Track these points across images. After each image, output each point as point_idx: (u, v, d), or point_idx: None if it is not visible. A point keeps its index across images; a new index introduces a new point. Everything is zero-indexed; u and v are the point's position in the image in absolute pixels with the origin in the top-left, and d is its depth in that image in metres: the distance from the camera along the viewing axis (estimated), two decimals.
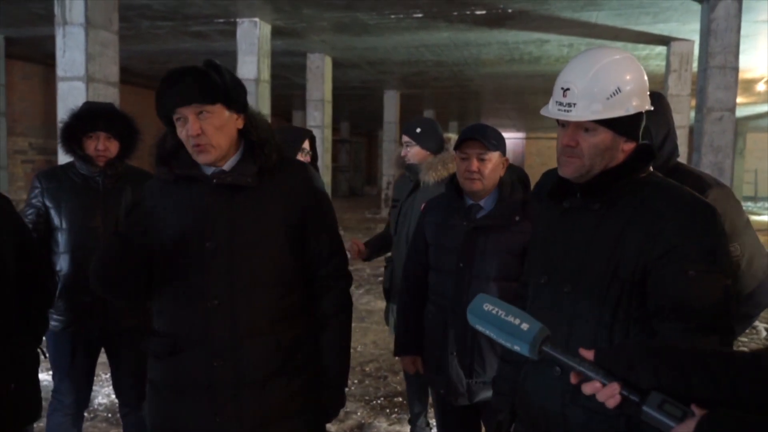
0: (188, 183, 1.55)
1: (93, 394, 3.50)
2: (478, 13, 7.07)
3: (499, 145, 2.05)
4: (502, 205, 2.06)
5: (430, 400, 3.07)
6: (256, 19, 7.98)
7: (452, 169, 2.71)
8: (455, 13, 7.16)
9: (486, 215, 2.06)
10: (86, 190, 2.38)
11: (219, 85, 1.47)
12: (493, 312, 1.06)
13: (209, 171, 1.55)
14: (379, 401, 3.75)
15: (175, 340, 1.52)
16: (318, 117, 10.42)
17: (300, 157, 2.62)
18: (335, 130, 22.07)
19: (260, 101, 8.29)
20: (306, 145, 2.69)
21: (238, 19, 8.04)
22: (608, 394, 0.96)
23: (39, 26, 8.44)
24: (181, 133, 1.48)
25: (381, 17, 7.45)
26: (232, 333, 1.50)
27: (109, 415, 3.45)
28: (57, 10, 5.06)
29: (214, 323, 1.50)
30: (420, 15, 7.28)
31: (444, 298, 2.07)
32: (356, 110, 18.52)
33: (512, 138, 25.52)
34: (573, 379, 1.02)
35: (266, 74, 8.43)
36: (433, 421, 3.02)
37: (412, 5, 6.88)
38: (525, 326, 1.02)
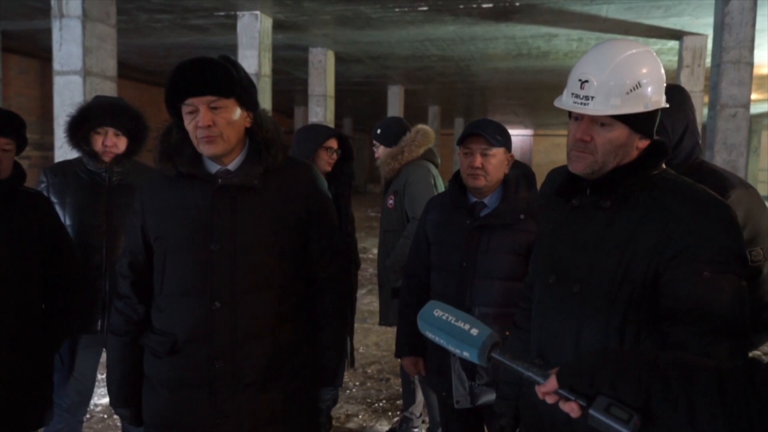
0: (191, 180, 1.56)
1: (96, 396, 3.52)
2: (484, 6, 7.06)
3: (504, 140, 2.05)
4: (507, 202, 2.05)
5: (419, 399, 3.14)
6: (257, 12, 7.99)
7: (403, 160, 3.05)
8: (461, 7, 7.15)
9: (490, 213, 2.05)
10: (92, 186, 2.38)
11: (235, 79, 1.49)
12: (443, 318, 1.06)
13: (213, 169, 1.55)
14: (381, 404, 3.75)
15: (175, 339, 1.53)
16: (320, 113, 10.42)
17: (324, 156, 2.63)
18: (338, 126, 22.08)
19: (261, 96, 8.29)
20: (332, 143, 2.67)
21: (238, 12, 8.05)
22: (547, 389, 0.96)
23: (35, 19, 8.47)
24: (189, 123, 1.48)
25: (385, 10, 7.45)
26: (233, 334, 1.52)
27: (106, 416, 3.46)
28: (53, 2, 5.08)
29: (216, 324, 1.52)
30: (425, 8, 7.27)
31: (446, 298, 2.07)
32: (359, 106, 18.52)
33: (520, 135, 25.48)
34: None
35: (267, 69, 8.44)
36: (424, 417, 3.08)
37: None
38: (474, 331, 1.02)
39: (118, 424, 2.64)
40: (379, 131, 3.20)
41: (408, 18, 7.77)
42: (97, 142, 2.35)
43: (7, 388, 1.87)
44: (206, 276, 1.52)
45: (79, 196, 2.36)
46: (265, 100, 8.51)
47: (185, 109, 1.49)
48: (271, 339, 1.55)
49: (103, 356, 2.52)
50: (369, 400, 3.80)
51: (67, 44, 5.12)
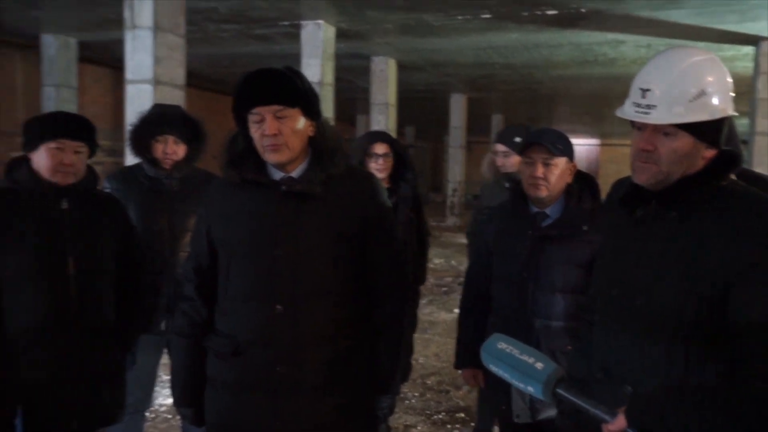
0: (255, 187, 1.61)
1: (155, 394, 3.66)
2: (549, 13, 6.96)
3: (566, 150, 2.02)
4: (569, 213, 2.03)
5: None
6: (321, 22, 8.16)
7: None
8: (525, 14, 7.08)
9: (552, 224, 2.03)
10: (153, 192, 2.48)
11: (300, 90, 1.54)
12: (507, 351, 1.05)
13: (277, 177, 1.61)
14: (440, 416, 3.74)
15: (238, 342, 1.58)
16: (382, 121, 10.51)
17: (370, 163, 2.63)
18: (400, 135, 22.19)
19: (323, 105, 8.42)
20: (379, 149, 2.66)
21: (302, 22, 8.24)
22: (615, 429, 0.93)
23: (109, 30, 8.93)
24: (255, 132, 1.54)
25: (447, 18, 7.46)
26: (295, 339, 1.56)
27: (169, 416, 3.59)
28: (126, 14, 5.33)
29: (278, 328, 1.56)
30: (488, 16, 7.24)
31: (507, 309, 2.06)
32: (421, 114, 18.56)
33: (585, 145, 24.87)
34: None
35: (330, 77, 8.60)
36: None
37: (480, 6, 6.85)
38: (539, 365, 1.00)
39: (181, 425, 2.73)
40: (518, 139, 2.73)
41: (470, 25, 7.75)
42: (158, 150, 2.45)
43: (89, 385, 1.99)
44: (269, 280, 1.57)
45: (141, 201, 2.46)
46: (327, 109, 8.67)
47: (252, 118, 1.55)
48: (330, 345, 1.59)
49: (166, 358, 2.64)
50: (428, 412, 3.79)
51: (139, 54, 5.36)
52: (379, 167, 2.68)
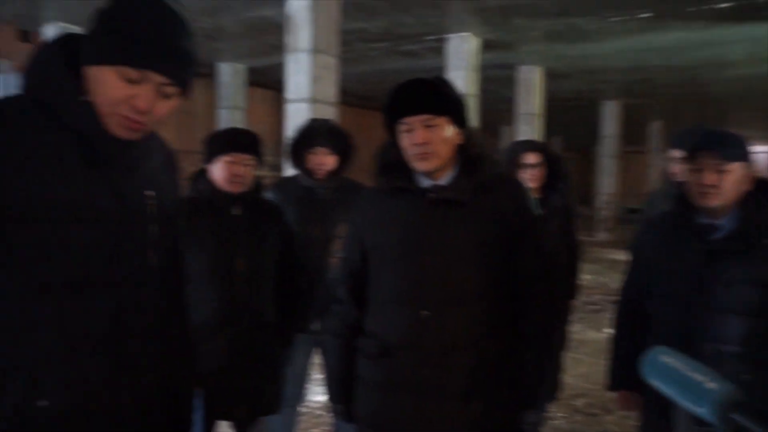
0: (404, 195, 1.65)
1: (307, 391, 3.86)
2: (721, 6, 6.37)
3: (742, 154, 1.82)
4: (746, 225, 1.82)
5: None
6: (466, 34, 8.18)
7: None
8: (691, 10, 6.56)
9: (725, 237, 1.83)
10: (308, 200, 2.63)
11: (449, 99, 1.57)
12: (673, 365, 0.93)
13: (426, 184, 1.64)
14: None
15: (387, 344, 1.63)
16: (527, 131, 10.27)
17: (520, 173, 2.59)
18: (546, 145, 21.45)
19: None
20: (531, 158, 2.61)
21: (447, 36, 8.32)
22: None
23: (273, 56, 9.65)
24: (405, 141, 1.59)
25: (600, 21, 7.13)
26: (440, 344, 1.57)
27: (321, 413, 3.76)
28: (288, 39, 5.75)
29: (424, 333, 1.58)
30: (647, 15, 6.80)
31: (669, 329, 1.90)
32: (570, 124, 17.86)
33: (765, 152, 22.35)
34: None
35: (474, 88, 8.58)
36: None
37: (639, 5, 6.47)
38: (712, 385, 0.87)
39: (333, 420, 2.85)
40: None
41: (627, 27, 7.34)
42: (311, 161, 2.60)
43: (254, 377, 2.15)
44: (416, 286, 1.59)
45: (297, 209, 2.61)
46: (472, 120, 8.63)
47: (402, 128, 1.59)
48: (475, 352, 1.58)
49: (318, 357, 2.77)
50: None
51: (297, 75, 5.73)
52: (531, 177, 2.63)
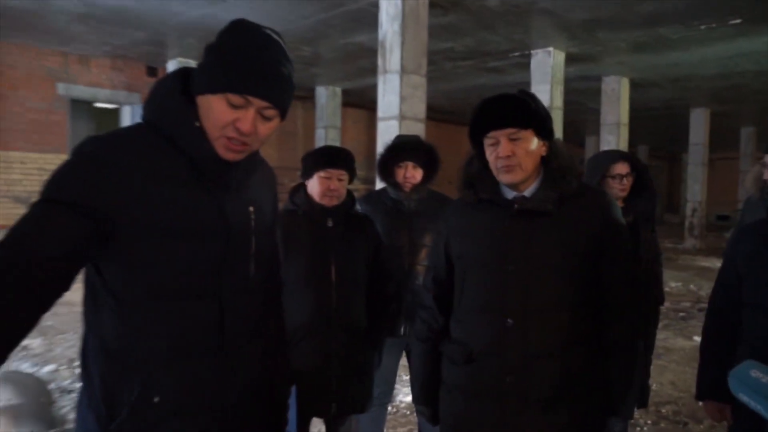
0: (489, 206, 1.61)
1: (396, 392, 3.86)
2: None
3: None
4: None
5: None
6: (550, 49, 7.95)
7: None
8: None
9: None
10: (395, 212, 2.63)
11: (533, 112, 1.52)
12: (763, 380, 0.84)
13: (510, 195, 1.59)
14: None
15: (471, 350, 1.58)
16: (612, 141, 9.81)
17: (612, 184, 2.48)
18: (631, 153, 20.43)
19: (553, 127, 8.20)
20: (619, 169, 2.50)
21: (532, 51, 8.13)
22: None
23: (365, 78, 9.85)
24: (491, 155, 1.55)
25: (687, 30, 6.70)
26: (524, 352, 1.51)
27: (408, 413, 3.75)
28: (379, 61, 5.83)
29: (508, 340, 1.53)
30: (737, 21, 6.32)
31: (760, 338, 1.73)
32: (656, 132, 16.89)
33: None
34: None
35: (559, 101, 8.32)
36: None
37: (728, 11, 6.02)
38: None
39: (418, 421, 2.83)
40: None
41: (715, 34, 6.86)
42: (399, 174, 2.59)
43: (345, 377, 2.18)
44: (501, 294, 1.55)
45: (386, 220, 2.62)
46: (557, 132, 8.34)
47: (487, 141, 1.55)
48: (559, 360, 1.51)
49: (405, 359, 2.76)
50: None
51: (388, 95, 5.80)
52: (622, 187, 2.51)
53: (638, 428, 3.52)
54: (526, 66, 8.43)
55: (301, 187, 2.26)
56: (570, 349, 1.51)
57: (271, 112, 1.12)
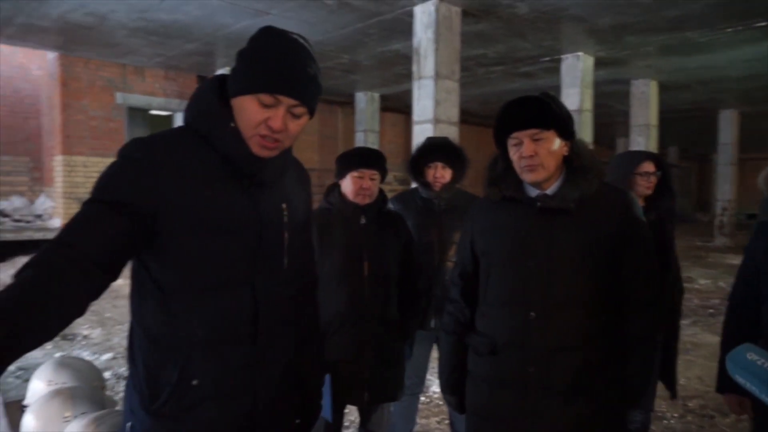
0: (513, 204, 1.59)
1: (429, 383, 3.85)
2: None
3: None
4: None
5: None
6: (580, 54, 7.79)
7: None
8: None
9: None
10: (426, 210, 2.62)
11: (555, 113, 1.50)
12: (759, 363, 0.81)
13: (533, 194, 1.57)
14: None
15: (495, 342, 1.57)
16: (642, 143, 9.54)
17: (640, 181, 2.44)
18: (662, 155, 19.81)
19: (583, 130, 8.02)
20: (647, 167, 2.47)
21: (562, 56, 7.97)
22: None
23: (402, 84, 9.83)
24: (514, 154, 1.53)
25: (714, 33, 6.46)
26: (545, 344, 1.49)
27: (441, 403, 3.73)
28: (414, 68, 5.82)
29: (531, 333, 1.51)
30: (763, 23, 6.05)
31: None
32: (686, 133, 16.34)
33: None
34: None
35: (588, 104, 8.13)
36: None
37: (752, 14, 5.77)
38: None
39: (448, 410, 2.81)
40: None
41: (741, 37, 6.59)
42: (429, 174, 2.58)
43: (377, 367, 2.17)
44: (523, 289, 1.53)
45: (417, 218, 2.60)
46: (587, 133, 8.18)
47: (511, 142, 1.54)
48: (580, 353, 1.48)
49: (436, 351, 2.74)
50: None
51: (423, 99, 5.78)
52: (648, 185, 2.47)
53: (665, 421, 3.42)
54: (556, 71, 8.27)
55: (336, 187, 2.26)
56: (590, 342, 1.48)
57: (300, 110, 1.13)
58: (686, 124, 14.39)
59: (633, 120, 9.65)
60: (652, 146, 9.52)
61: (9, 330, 0.86)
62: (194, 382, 1.11)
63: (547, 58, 8.08)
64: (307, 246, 1.37)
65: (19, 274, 0.94)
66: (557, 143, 1.51)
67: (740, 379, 0.86)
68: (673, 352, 2.49)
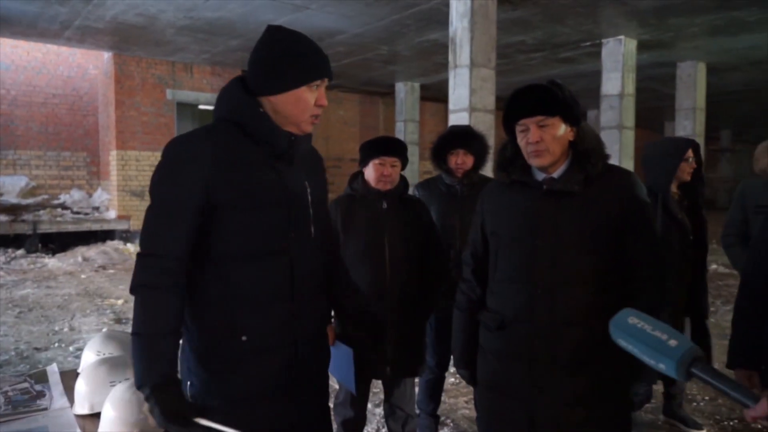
0: (521, 187, 1.66)
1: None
2: None
3: None
4: None
5: None
6: (621, 37, 7.59)
7: None
8: None
9: None
10: (448, 196, 2.69)
11: (560, 100, 1.55)
12: (638, 326, 0.86)
13: (540, 177, 1.63)
14: (731, 423, 3.13)
15: (504, 317, 1.65)
16: (688, 126, 9.21)
17: (686, 168, 2.65)
18: (714, 139, 18.94)
19: (624, 114, 7.82)
20: (690, 153, 2.64)
21: (603, 40, 7.79)
22: (757, 414, 0.77)
23: (440, 73, 9.82)
24: (522, 141, 1.60)
25: (762, 11, 6.17)
26: (551, 318, 1.56)
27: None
28: (450, 56, 5.82)
29: (537, 308, 1.57)
30: None
31: None
32: (739, 116, 15.58)
33: None
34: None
35: (630, 88, 7.91)
36: None
37: None
38: (673, 343, 0.81)
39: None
40: None
41: None
42: (452, 161, 2.64)
43: (399, 343, 2.27)
44: (530, 267, 1.59)
45: (440, 203, 2.68)
46: (628, 118, 7.97)
47: (518, 128, 1.60)
48: (585, 328, 1.53)
49: None
50: (718, 417, 3.20)
51: (459, 88, 5.77)
52: (691, 170, 2.69)
53: (694, 404, 3.38)
54: (597, 55, 8.09)
55: (359, 174, 2.37)
56: (595, 318, 1.53)
57: (327, 83, 1.37)
58: (739, 107, 13.74)
59: (678, 104, 9.31)
60: (699, 130, 9.17)
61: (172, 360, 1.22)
62: (243, 338, 1.31)
63: (588, 43, 7.91)
64: (328, 218, 1.58)
65: (139, 294, 1.24)
66: (562, 129, 1.56)
67: (622, 342, 0.92)
68: (703, 285, 2.75)
